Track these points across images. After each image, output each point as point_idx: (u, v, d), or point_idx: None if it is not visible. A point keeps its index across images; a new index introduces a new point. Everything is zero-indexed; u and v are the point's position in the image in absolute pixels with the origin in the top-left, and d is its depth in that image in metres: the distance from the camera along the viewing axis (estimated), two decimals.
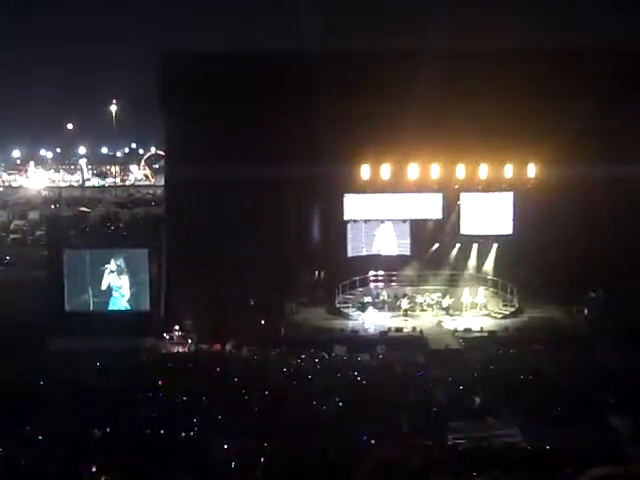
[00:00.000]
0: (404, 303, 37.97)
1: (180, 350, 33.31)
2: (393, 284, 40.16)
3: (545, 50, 37.20)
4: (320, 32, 38.63)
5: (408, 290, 39.23)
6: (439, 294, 38.66)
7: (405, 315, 37.51)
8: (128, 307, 36.20)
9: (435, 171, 38.00)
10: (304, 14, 40.93)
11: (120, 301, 36.31)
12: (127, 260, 36.48)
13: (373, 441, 19.01)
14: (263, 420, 21.11)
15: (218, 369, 27.97)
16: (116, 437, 19.66)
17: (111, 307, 36.27)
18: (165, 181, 42.31)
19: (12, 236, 59.82)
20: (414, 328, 35.41)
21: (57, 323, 34.11)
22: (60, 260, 36.49)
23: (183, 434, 20.07)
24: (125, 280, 36.27)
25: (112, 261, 36.15)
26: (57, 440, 19.14)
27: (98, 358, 28.83)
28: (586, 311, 36.52)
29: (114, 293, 36.29)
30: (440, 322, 36.65)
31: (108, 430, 20.14)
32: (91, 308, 36.17)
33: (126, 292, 36.28)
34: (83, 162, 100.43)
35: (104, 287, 36.23)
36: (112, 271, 36.20)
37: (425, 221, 39.93)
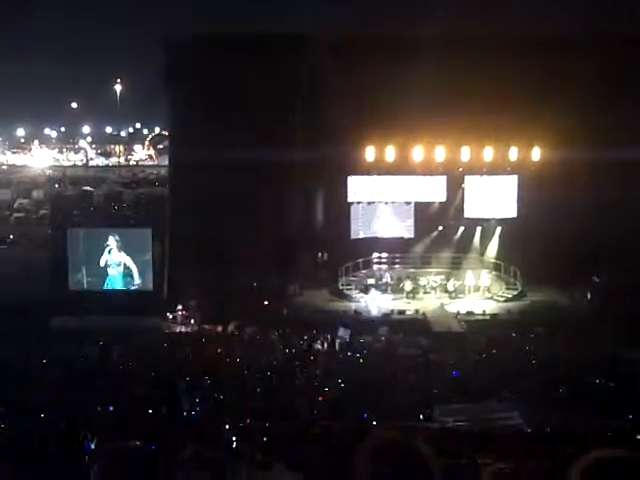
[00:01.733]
0: (407, 285, 37.96)
1: (183, 330, 33.37)
2: (396, 266, 40.10)
3: (550, 33, 37.07)
4: (325, 15, 38.53)
5: (411, 272, 39.20)
6: (442, 277, 38.61)
7: (408, 297, 37.53)
8: (131, 286, 36.25)
9: (440, 153, 37.89)
10: None
11: (123, 280, 36.37)
12: (130, 240, 36.53)
13: (374, 422, 19.07)
14: (265, 401, 21.18)
15: (220, 350, 28.06)
16: (118, 415, 19.73)
17: (114, 286, 36.33)
18: (169, 161, 42.26)
19: (16, 215, 59.84)
20: (417, 310, 35.44)
21: (60, 302, 34.18)
22: (64, 239, 36.53)
23: (185, 413, 20.16)
24: (128, 259, 36.30)
25: (114, 240, 36.17)
26: (59, 417, 19.21)
27: (101, 337, 28.91)
28: (589, 295, 36.49)
29: (117, 272, 36.33)
30: (443, 305, 36.66)
31: (110, 408, 20.21)
32: (94, 287, 36.23)
33: (129, 271, 36.32)
34: (85, 143, 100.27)
35: (108, 266, 36.27)
36: (115, 250, 36.22)
37: (429, 204, 39.84)
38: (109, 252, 36.21)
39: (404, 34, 36.91)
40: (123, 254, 36.29)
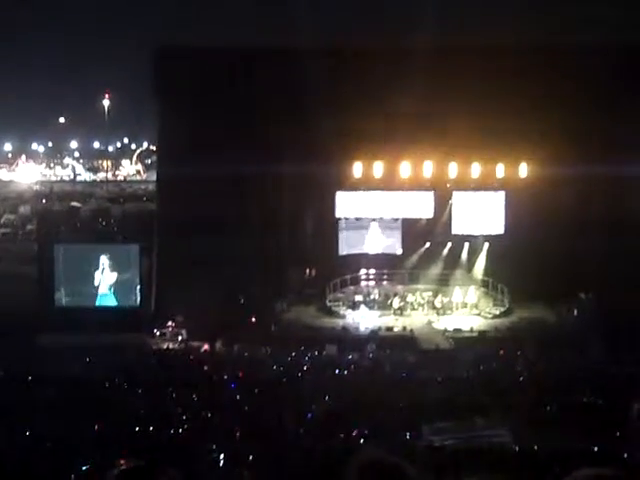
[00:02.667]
0: (395, 302, 37.95)
1: (171, 347, 33.23)
2: (384, 283, 40.12)
3: (538, 48, 37.28)
4: (314, 29, 38.59)
5: (399, 289, 39.19)
6: (430, 293, 38.63)
7: (396, 314, 37.49)
8: (118, 303, 36.10)
9: (427, 169, 38.00)
10: (298, 10, 40.84)
11: (110, 297, 36.22)
12: (117, 256, 36.42)
13: (361, 440, 19.00)
14: (252, 418, 21.08)
15: (207, 367, 27.93)
16: (105, 434, 19.59)
17: (101, 303, 36.18)
18: (157, 176, 42.21)
19: (2, 230, 59.50)
20: (405, 327, 35.42)
21: (46, 318, 34.00)
22: (50, 255, 36.38)
23: (172, 431, 20.03)
24: (115, 276, 36.18)
25: (102, 256, 36.05)
26: (45, 436, 19.06)
27: (87, 354, 28.73)
28: (576, 312, 36.55)
29: (104, 289, 36.19)
30: (431, 321, 36.66)
31: (96, 427, 20.06)
32: (81, 303, 36.06)
33: (116, 288, 36.19)
34: (71, 160, 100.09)
35: (94, 282, 36.14)
36: (102, 266, 36.10)
37: (417, 220, 39.88)
38: (97, 269, 36.07)
39: (392, 49, 37.01)
40: (110, 271, 36.15)
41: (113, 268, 36.29)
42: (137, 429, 20.01)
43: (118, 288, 36.20)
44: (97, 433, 19.68)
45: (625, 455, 17.92)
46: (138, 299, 36.19)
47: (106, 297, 36.24)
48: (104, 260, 36.21)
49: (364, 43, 38.18)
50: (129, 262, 36.41)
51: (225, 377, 26.11)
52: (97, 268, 36.22)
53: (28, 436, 19.19)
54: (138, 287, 36.21)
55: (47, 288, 35.92)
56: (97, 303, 36.18)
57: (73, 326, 32.54)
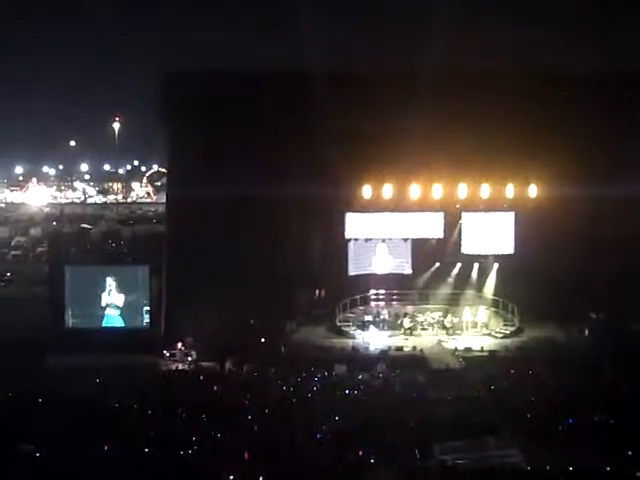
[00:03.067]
0: (405, 322, 37.92)
1: (180, 367, 33.22)
2: (394, 303, 40.06)
3: (547, 70, 37.36)
4: (321, 52, 38.76)
5: (409, 309, 39.16)
6: (440, 313, 38.58)
7: (405, 334, 37.45)
8: (127, 324, 36.16)
9: (437, 191, 38.02)
10: (306, 34, 41.06)
11: (120, 318, 36.30)
12: (127, 277, 36.53)
13: (372, 461, 18.97)
14: (262, 439, 21.06)
15: (217, 387, 27.93)
16: (115, 455, 19.60)
17: (111, 324, 36.25)
18: (167, 199, 42.32)
19: (13, 252, 59.70)
20: (414, 347, 35.36)
21: (57, 340, 34.06)
22: (61, 277, 36.51)
23: (182, 452, 20.03)
24: (125, 297, 36.27)
25: (112, 278, 36.17)
26: (56, 458, 19.11)
27: (98, 375, 28.75)
28: (587, 332, 36.42)
29: (115, 310, 36.29)
30: (441, 341, 36.59)
31: (107, 448, 20.08)
32: (90, 325, 36.13)
33: (126, 309, 36.28)
34: (81, 183, 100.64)
35: (105, 304, 36.24)
36: (112, 288, 36.22)
37: (426, 240, 39.87)
38: (106, 291, 36.19)
39: (401, 71, 37.15)
40: (120, 292, 36.26)
41: (123, 289, 36.39)
42: (147, 450, 20.02)
43: (128, 309, 36.28)
44: (107, 454, 19.71)
45: (637, 474, 17.85)
46: (148, 320, 36.25)
47: (116, 318, 36.32)
48: (114, 282, 36.32)
49: (373, 66, 38.34)
50: (139, 283, 36.50)
51: (235, 398, 26.11)
52: (106, 289, 36.32)
53: (38, 457, 19.23)
54: (148, 308, 36.28)
55: (58, 309, 36.01)
56: (106, 324, 36.23)
57: (84, 347, 32.53)
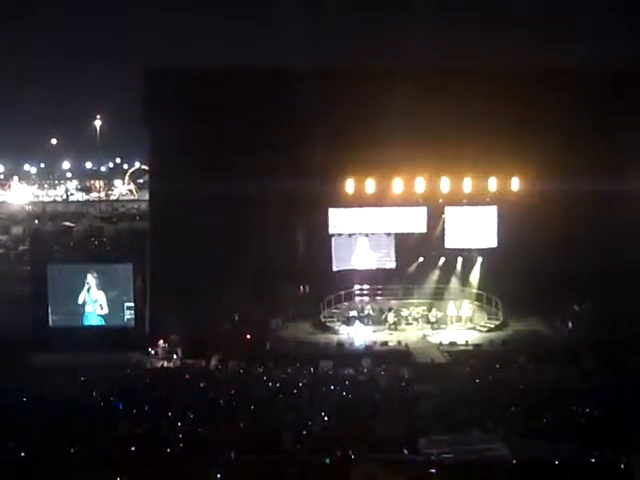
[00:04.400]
0: (389, 317, 38.00)
1: (165, 365, 33.17)
2: (378, 298, 40.13)
3: (529, 66, 37.51)
4: (304, 49, 38.76)
5: (393, 304, 39.23)
6: (424, 308, 38.69)
7: (390, 329, 37.53)
8: (112, 322, 36.04)
9: (419, 185, 38.09)
10: (288, 31, 41.07)
11: (105, 316, 36.17)
12: (110, 275, 36.41)
13: (358, 455, 18.98)
14: (249, 435, 21.05)
15: (203, 384, 27.88)
16: (100, 453, 19.54)
17: (95, 322, 36.12)
18: (149, 196, 42.20)
19: None
20: (399, 342, 35.44)
21: (40, 338, 33.93)
22: (43, 275, 36.33)
23: (168, 450, 19.98)
24: (110, 295, 36.15)
25: (95, 276, 36.04)
26: (40, 456, 19.02)
27: (82, 373, 28.65)
28: (570, 324, 36.62)
29: (99, 308, 36.16)
30: (425, 336, 36.69)
31: (91, 447, 20.02)
32: (75, 323, 35.99)
33: (111, 307, 36.15)
34: (63, 180, 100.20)
35: (88, 302, 36.10)
36: (96, 286, 36.09)
37: (410, 235, 39.94)
38: (89, 289, 36.06)
39: (384, 66, 37.23)
40: (103, 290, 36.13)
41: (106, 287, 36.26)
42: (133, 448, 19.97)
43: (112, 307, 36.16)
44: (92, 453, 19.64)
45: (621, 465, 17.95)
46: (132, 318, 36.15)
47: (99, 317, 36.19)
48: (96, 280, 36.19)
49: (357, 63, 38.38)
50: (122, 281, 36.38)
51: (220, 394, 26.07)
52: (89, 288, 36.20)
53: (24, 455, 19.14)
54: (132, 306, 36.17)
55: (40, 308, 35.84)
56: (90, 322, 36.10)
57: (68, 346, 32.46)
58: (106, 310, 36.10)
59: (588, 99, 35.13)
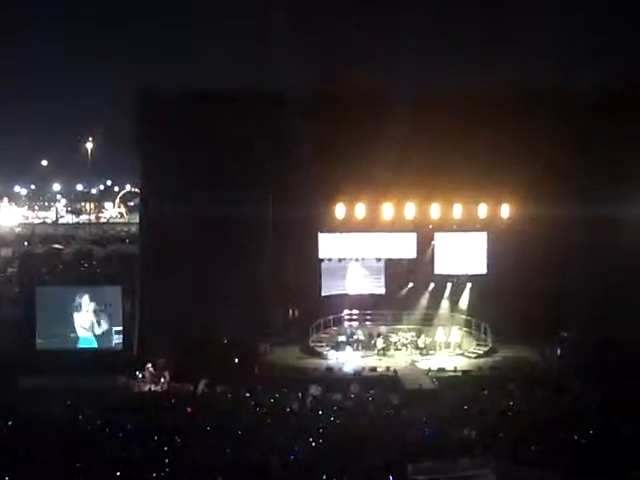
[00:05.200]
0: (379, 342, 37.95)
1: (153, 389, 32.99)
2: (367, 323, 40.14)
3: (518, 91, 37.72)
4: (295, 73, 38.93)
5: (382, 329, 39.21)
6: (413, 333, 38.70)
7: (379, 354, 37.47)
8: (100, 345, 35.89)
9: (409, 211, 38.20)
10: (280, 56, 41.24)
11: (92, 339, 36.02)
12: (99, 298, 36.28)
13: None
14: (237, 461, 20.94)
15: (190, 409, 27.74)
16: (86, 477, 19.42)
17: (83, 345, 35.95)
18: (139, 219, 42.17)
19: None
20: (388, 367, 35.37)
21: (28, 361, 33.72)
22: (32, 297, 36.20)
23: (154, 475, 19.87)
24: (97, 318, 36.01)
25: (84, 298, 35.92)
26: None
27: (69, 397, 28.46)
28: (559, 351, 36.61)
29: (87, 331, 36.00)
30: (414, 361, 36.63)
31: (78, 471, 19.89)
32: (62, 346, 35.80)
33: (99, 330, 36.02)
34: (54, 202, 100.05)
35: (77, 325, 35.94)
36: (84, 309, 35.96)
37: (399, 260, 40.01)
38: (78, 312, 35.94)
39: (373, 92, 37.38)
40: (92, 313, 36.00)
41: (95, 310, 36.13)
42: (119, 473, 19.85)
43: (100, 330, 36.03)
44: (79, 476, 19.52)
45: None
46: (120, 341, 36.01)
47: (88, 340, 36.03)
48: (86, 302, 36.07)
49: (345, 87, 38.51)
50: (111, 304, 36.25)
51: (207, 419, 25.94)
52: (79, 310, 36.06)
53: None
54: (120, 329, 36.05)
55: (29, 330, 35.68)
56: (79, 345, 35.93)
57: (55, 369, 32.28)
58: (97, 333, 35.96)
59: (577, 120, 35.36)
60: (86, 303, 35.91)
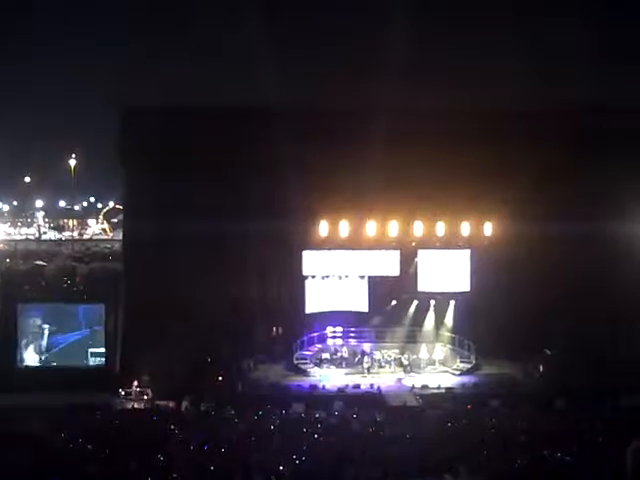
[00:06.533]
0: (364, 360, 37.86)
1: (136, 407, 32.83)
2: (351, 341, 40.12)
3: (500, 108, 38.00)
4: (280, 87, 39.07)
5: (366, 347, 39.21)
6: (397, 351, 38.75)
7: (363, 373, 37.36)
8: (83, 363, 35.73)
9: (393, 228, 38.28)
10: (264, 69, 41.40)
11: (76, 357, 35.85)
12: (82, 315, 36.17)
13: None
14: (218, 478, 20.85)
15: (173, 426, 27.62)
16: None
17: (66, 363, 35.77)
18: (123, 235, 42.10)
19: None
20: (372, 385, 35.35)
21: (9, 379, 33.52)
22: (14, 315, 36.03)
23: None
24: (80, 335, 35.87)
25: (66, 315, 35.85)
26: None
27: (52, 415, 28.27)
28: (541, 368, 36.73)
29: (70, 349, 35.85)
30: (398, 379, 36.64)
31: None
32: (45, 364, 35.67)
33: (82, 348, 35.88)
34: (36, 219, 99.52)
35: (59, 343, 35.79)
36: (66, 326, 35.84)
37: (383, 278, 40.05)
38: (61, 329, 35.80)
39: (357, 108, 37.58)
40: (74, 331, 35.86)
41: (77, 328, 36.01)
42: None
43: (83, 348, 35.89)
44: None
45: None
46: (103, 359, 35.87)
47: (71, 357, 35.87)
48: (68, 320, 35.95)
49: (330, 102, 38.71)
50: (94, 321, 36.19)
51: (191, 437, 25.83)
52: (61, 327, 35.93)
53: None
54: (103, 347, 35.92)
55: (10, 348, 35.48)
56: (61, 363, 35.76)
57: (37, 386, 32.12)
58: (80, 351, 35.83)
59: (561, 139, 35.63)
60: (69, 321, 35.95)
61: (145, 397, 33.47)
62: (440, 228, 38.39)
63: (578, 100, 39.58)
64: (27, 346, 35.93)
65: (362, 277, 40.31)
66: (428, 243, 39.07)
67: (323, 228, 38.27)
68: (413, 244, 39.18)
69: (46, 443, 24.40)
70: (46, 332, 35.98)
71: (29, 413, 28.36)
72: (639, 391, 31.91)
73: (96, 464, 22.12)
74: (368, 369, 37.60)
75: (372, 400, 33.21)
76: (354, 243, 38.75)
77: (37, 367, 35.41)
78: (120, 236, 47.94)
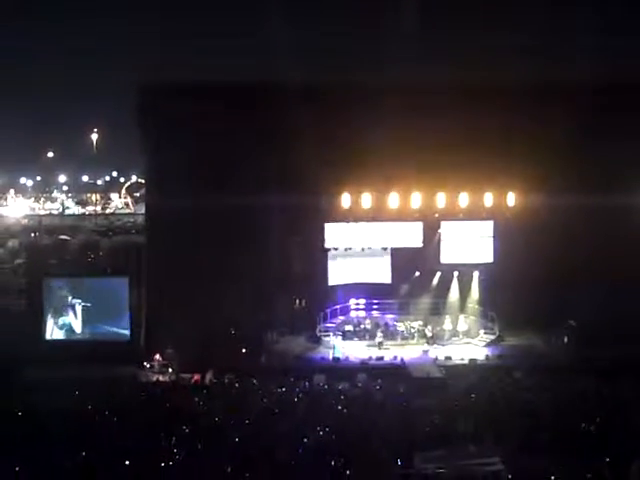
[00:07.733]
0: (379, 333, 37.71)
1: (161, 379, 33.08)
2: (374, 312, 40.15)
3: (522, 81, 37.58)
4: (299, 64, 38.87)
5: (389, 318, 39.23)
6: (420, 322, 38.69)
7: (380, 346, 37.28)
8: (108, 336, 35.98)
9: (415, 200, 38.05)
10: (283, 46, 41.20)
11: (100, 330, 36.11)
12: (107, 288, 36.41)
13: (352, 471, 18.93)
14: (245, 450, 20.98)
15: (198, 398, 27.81)
16: (96, 467, 19.47)
17: (91, 336, 36.06)
18: (146, 209, 42.19)
19: None
20: (395, 357, 35.39)
21: (36, 352, 33.84)
22: (39, 288, 36.31)
23: (162, 465, 19.91)
24: (105, 308, 36.12)
25: (92, 289, 36.07)
26: (36, 470, 18.95)
27: (77, 388, 28.53)
28: (566, 339, 36.61)
29: (95, 322, 36.11)
30: (421, 350, 36.65)
31: (88, 460, 19.94)
32: (70, 337, 35.96)
33: (107, 321, 36.11)
34: (59, 194, 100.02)
35: (84, 316, 36.05)
36: (92, 299, 36.08)
37: (406, 249, 39.97)
38: (86, 302, 36.05)
39: (379, 81, 37.29)
40: (99, 304, 36.10)
41: (102, 301, 36.24)
42: (127, 462, 19.89)
43: (108, 321, 36.12)
44: (86, 468, 19.56)
45: None
46: (128, 332, 36.11)
47: (95, 330, 36.14)
48: (93, 293, 36.18)
49: (350, 77, 38.46)
50: (118, 295, 36.36)
51: (216, 408, 26.00)
52: (86, 301, 36.17)
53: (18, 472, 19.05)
54: (128, 320, 36.14)
55: (36, 321, 35.80)
56: (86, 336, 36.05)
57: (62, 359, 32.40)
58: (105, 324, 36.07)
59: (583, 110, 35.19)
60: (94, 294, 36.12)
61: (169, 370, 33.69)
62: (463, 199, 38.12)
63: (601, 73, 39.04)
64: (53, 319, 36.17)
65: (385, 249, 40.26)
66: (451, 214, 38.80)
67: (345, 200, 38.11)
68: (436, 215, 38.93)
69: (72, 416, 24.61)
70: (74, 306, 36.14)
71: (56, 386, 28.64)
72: None
73: (122, 436, 22.34)
74: (380, 344, 37.36)
75: (395, 372, 33.25)
76: (377, 215, 38.56)
77: (62, 340, 35.66)
78: (143, 210, 48.10)
